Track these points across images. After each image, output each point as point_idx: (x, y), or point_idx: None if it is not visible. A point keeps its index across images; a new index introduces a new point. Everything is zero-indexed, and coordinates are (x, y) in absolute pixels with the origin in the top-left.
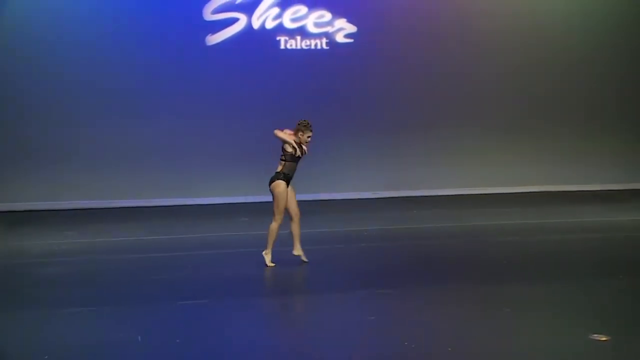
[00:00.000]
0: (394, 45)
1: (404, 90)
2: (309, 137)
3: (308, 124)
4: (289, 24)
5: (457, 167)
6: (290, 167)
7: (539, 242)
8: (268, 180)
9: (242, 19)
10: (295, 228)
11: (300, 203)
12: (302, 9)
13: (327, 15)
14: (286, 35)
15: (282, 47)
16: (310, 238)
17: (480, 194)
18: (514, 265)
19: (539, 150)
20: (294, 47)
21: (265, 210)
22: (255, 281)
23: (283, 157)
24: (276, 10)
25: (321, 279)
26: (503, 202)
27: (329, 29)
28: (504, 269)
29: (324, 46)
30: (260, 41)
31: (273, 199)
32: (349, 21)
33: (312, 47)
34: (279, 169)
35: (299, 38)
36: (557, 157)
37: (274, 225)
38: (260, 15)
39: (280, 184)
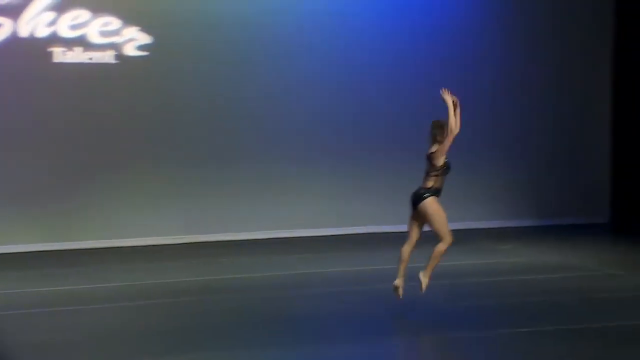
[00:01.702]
0: (198, 60)
1: (208, 116)
2: None
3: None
4: (66, 32)
5: (272, 204)
6: (442, 181)
7: (381, 290)
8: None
9: (6, 24)
10: (408, 253)
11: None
12: (84, 14)
13: (115, 23)
14: (63, 46)
15: (57, 60)
16: (97, 295)
17: (303, 237)
18: (343, 321)
19: (369, 185)
20: (73, 60)
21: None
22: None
23: (435, 173)
24: (51, 14)
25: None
26: (332, 244)
27: (116, 38)
28: (335, 326)
29: (111, 60)
30: (28, 52)
31: (428, 220)
32: (143, 30)
33: (97, 60)
34: (429, 184)
35: (79, 49)
36: (389, 193)
37: (443, 247)
38: (30, 20)
39: (434, 201)
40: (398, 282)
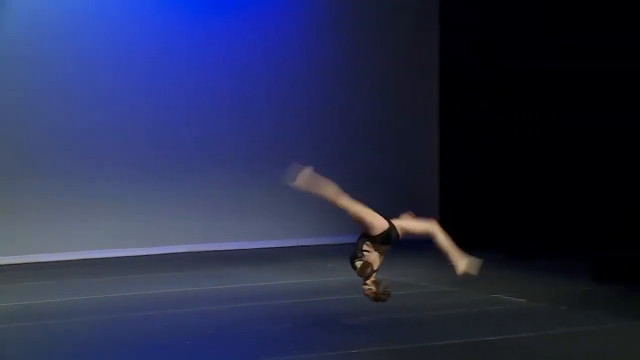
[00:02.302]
0: None
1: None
2: None
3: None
4: None
5: (79, 223)
6: None
7: (191, 314)
8: None
9: None
10: None
11: None
12: None
13: None
14: None
15: None
16: None
17: (101, 258)
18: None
19: (178, 202)
20: None
21: None
22: None
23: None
24: None
25: None
26: (139, 266)
27: None
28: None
29: None
30: None
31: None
32: None
33: None
34: None
35: None
36: (203, 210)
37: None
38: None
39: None
40: None
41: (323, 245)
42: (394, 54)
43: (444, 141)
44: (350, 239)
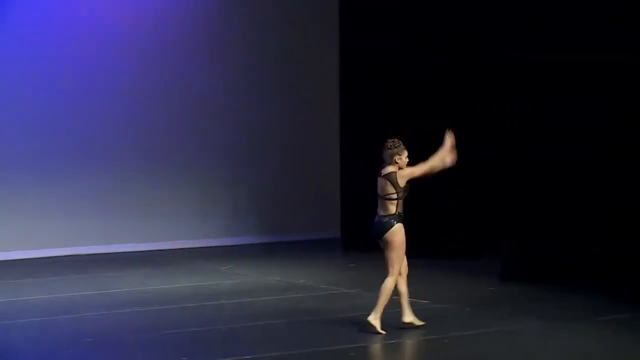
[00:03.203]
0: None
1: None
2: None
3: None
4: None
5: None
6: (402, 205)
7: (74, 320)
8: None
9: None
10: (404, 286)
11: None
12: None
13: None
14: None
15: None
16: None
17: None
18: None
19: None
20: None
21: None
22: None
23: (395, 195)
24: None
25: None
26: (14, 270)
27: None
28: None
29: None
30: None
31: (390, 249)
32: None
33: None
34: (392, 210)
35: None
36: (85, 210)
37: (391, 282)
38: None
39: (401, 229)
40: (408, 318)
41: (223, 246)
42: (296, 51)
43: (345, 146)
44: (250, 240)
